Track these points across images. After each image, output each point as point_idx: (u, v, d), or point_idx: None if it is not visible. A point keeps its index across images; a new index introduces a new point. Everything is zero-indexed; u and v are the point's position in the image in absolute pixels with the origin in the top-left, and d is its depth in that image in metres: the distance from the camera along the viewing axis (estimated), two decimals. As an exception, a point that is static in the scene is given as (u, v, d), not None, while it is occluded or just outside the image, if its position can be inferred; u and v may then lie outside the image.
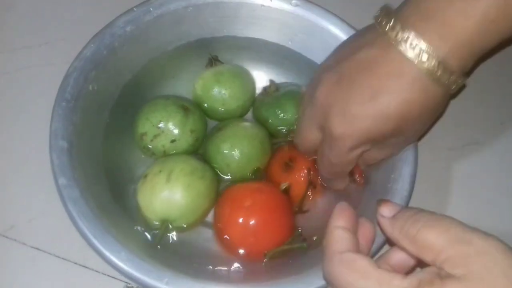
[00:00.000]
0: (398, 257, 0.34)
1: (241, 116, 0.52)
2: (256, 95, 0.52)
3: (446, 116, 0.53)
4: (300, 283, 0.40)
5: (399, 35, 0.37)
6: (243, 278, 0.43)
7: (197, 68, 0.52)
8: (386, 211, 0.33)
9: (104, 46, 0.48)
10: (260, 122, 0.51)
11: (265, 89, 0.51)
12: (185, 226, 0.45)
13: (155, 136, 0.47)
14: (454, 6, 0.36)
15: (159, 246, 0.44)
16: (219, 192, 0.47)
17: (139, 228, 0.45)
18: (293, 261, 0.44)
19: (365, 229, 0.36)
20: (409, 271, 0.35)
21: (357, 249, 0.33)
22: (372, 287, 0.30)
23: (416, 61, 0.37)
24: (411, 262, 0.34)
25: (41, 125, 0.47)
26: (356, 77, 0.39)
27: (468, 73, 0.39)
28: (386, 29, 0.38)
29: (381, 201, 0.34)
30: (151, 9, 0.50)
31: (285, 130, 0.50)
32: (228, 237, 0.44)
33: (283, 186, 0.46)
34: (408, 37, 0.37)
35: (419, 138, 0.47)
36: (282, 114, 0.49)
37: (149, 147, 0.48)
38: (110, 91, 0.49)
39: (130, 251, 0.40)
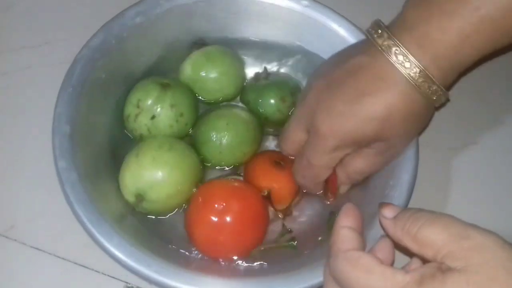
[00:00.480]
0: (379, 255, 0.35)
1: (234, 94, 0.52)
2: (248, 79, 0.53)
3: (446, 116, 0.53)
4: (293, 281, 0.40)
5: (386, 42, 0.40)
6: (233, 271, 0.43)
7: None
8: (387, 212, 0.34)
9: (113, 36, 0.48)
10: (244, 103, 0.52)
11: (256, 74, 0.52)
12: (160, 200, 0.44)
13: (137, 116, 0.47)
14: (432, 22, 0.39)
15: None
16: (200, 177, 0.47)
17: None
18: (284, 258, 0.44)
19: (386, 250, 0.36)
20: None
21: (362, 248, 0.34)
22: (376, 282, 0.31)
23: (399, 67, 0.39)
24: (390, 259, 0.35)
25: (41, 125, 0.47)
26: (345, 80, 0.41)
27: (449, 86, 0.41)
28: (375, 37, 0.40)
29: (383, 203, 0.35)
30: (162, 1, 0.50)
31: (262, 117, 0.50)
32: (193, 233, 0.44)
33: (264, 192, 0.46)
34: (393, 45, 0.39)
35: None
36: (261, 101, 0.50)
37: (135, 128, 0.48)
38: (117, 80, 0.49)
39: (122, 237, 0.40)
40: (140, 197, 0.44)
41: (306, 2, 0.51)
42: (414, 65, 0.39)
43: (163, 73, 0.51)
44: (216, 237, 0.43)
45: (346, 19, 0.51)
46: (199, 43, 0.52)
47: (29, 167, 0.48)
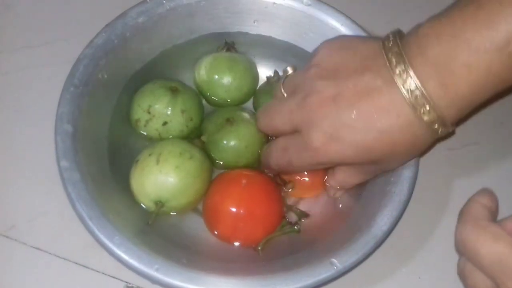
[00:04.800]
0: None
1: (242, 101, 0.52)
2: (259, 85, 0.53)
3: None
4: (289, 280, 0.40)
5: (403, 75, 0.37)
6: (235, 270, 0.43)
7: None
8: None
9: (116, 36, 0.48)
10: (257, 108, 0.52)
11: (268, 78, 0.52)
12: (178, 207, 0.45)
13: (147, 121, 0.48)
14: (459, 58, 0.36)
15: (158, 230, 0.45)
16: (211, 177, 0.48)
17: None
18: (286, 256, 0.44)
19: None
20: None
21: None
22: (503, 249, 0.31)
23: (416, 111, 0.37)
24: None
25: (41, 125, 0.47)
26: (355, 103, 0.38)
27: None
28: (393, 64, 0.38)
29: None
30: (164, 1, 0.50)
31: None
32: (217, 225, 0.45)
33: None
34: (411, 82, 0.37)
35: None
36: None
37: (145, 133, 0.48)
38: (119, 80, 0.49)
39: (124, 236, 0.40)
40: (160, 203, 0.44)
41: (307, 1, 0.51)
42: (433, 111, 0.37)
43: (165, 72, 0.51)
44: (240, 218, 0.44)
45: (348, 17, 0.51)
46: (229, 45, 0.52)
47: (30, 167, 0.48)
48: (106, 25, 0.49)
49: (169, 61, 0.52)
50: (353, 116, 0.38)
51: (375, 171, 0.44)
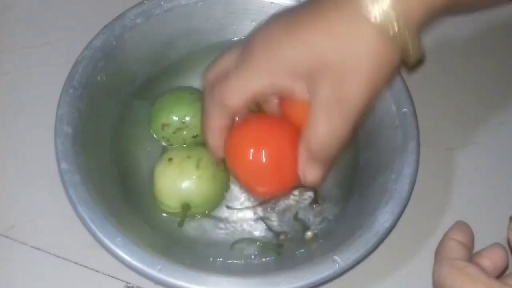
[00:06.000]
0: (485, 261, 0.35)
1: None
2: None
3: (446, 116, 0.53)
4: (292, 278, 0.40)
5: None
6: (238, 269, 0.43)
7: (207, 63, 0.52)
8: None
9: (114, 37, 0.48)
10: None
11: None
12: (198, 213, 0.46)
13: (178, 129, 0.48)
14: None
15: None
16: None
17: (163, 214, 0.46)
18: (291, 256, 0.44)
19: (497, 256, 0.36)
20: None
21: (468, 261, 0.34)
22: None
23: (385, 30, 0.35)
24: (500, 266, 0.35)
25: (41, 125, 0.47)
26: (304, 19, 0.37)
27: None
28: None
29: None
30: (162, 2, 0.50)
31: None
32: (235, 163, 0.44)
33: None
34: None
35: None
36: None
37: (167, 138, 0.48)
38: (119, 82, 0.49)
39: (126, 237, 0.40)
40: (187, 207, 0.44)
41: (304, 0, 0.51)
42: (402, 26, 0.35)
43: (165, 74, 0.51)
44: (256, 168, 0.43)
45: None
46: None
47: (30, 167, 0.48)
48: (104, 27, 0.49)
49: (168, 63, 0.52)
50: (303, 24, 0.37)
51: (335, 105, 0.38)
